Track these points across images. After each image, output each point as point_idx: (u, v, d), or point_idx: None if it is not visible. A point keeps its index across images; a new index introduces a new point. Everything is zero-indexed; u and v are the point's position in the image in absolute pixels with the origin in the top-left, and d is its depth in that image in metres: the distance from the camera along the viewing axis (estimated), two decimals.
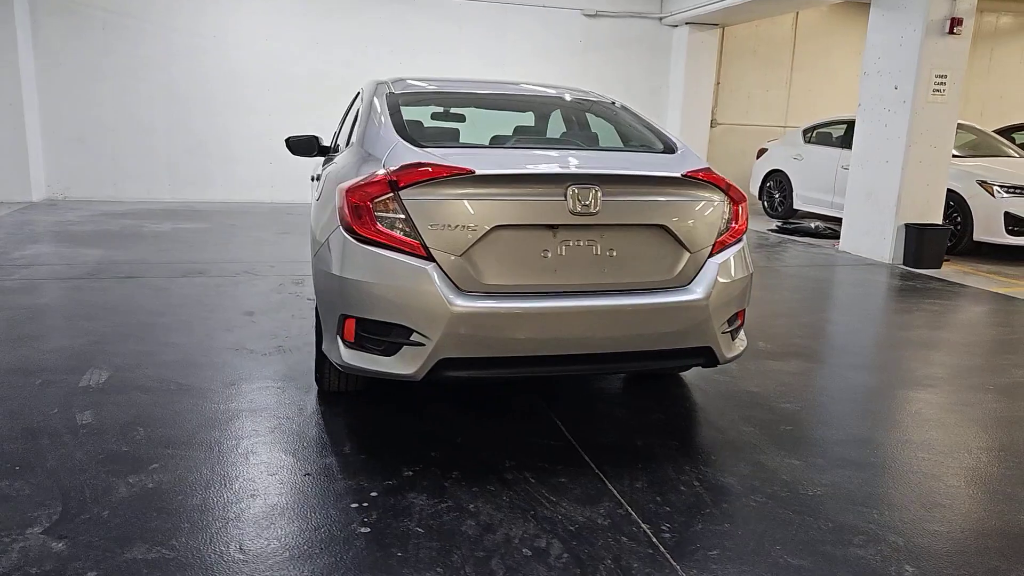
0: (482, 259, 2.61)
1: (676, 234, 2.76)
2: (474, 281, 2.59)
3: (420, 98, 3.72)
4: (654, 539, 2.32)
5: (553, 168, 2.72)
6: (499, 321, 2.55)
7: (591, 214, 2.64)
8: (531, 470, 2.73)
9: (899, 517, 2.50)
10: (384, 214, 2.59)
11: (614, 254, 2.70)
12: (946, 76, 7.01)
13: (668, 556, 2.22)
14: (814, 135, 10.24)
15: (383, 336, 2.63)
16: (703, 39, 11.17)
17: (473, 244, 2.59)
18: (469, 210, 2.59)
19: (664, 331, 2.73)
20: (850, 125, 9.65)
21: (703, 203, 2.82)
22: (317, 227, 3.03)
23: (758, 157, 11.21)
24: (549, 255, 2.65)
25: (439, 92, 3.97)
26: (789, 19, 12.20)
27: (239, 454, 2.77)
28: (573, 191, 2.63)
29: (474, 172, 2.57)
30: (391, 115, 3.11)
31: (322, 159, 3.99)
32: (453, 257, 2.57)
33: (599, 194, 2.64)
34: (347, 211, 2.66)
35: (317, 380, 3.36)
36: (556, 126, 4.03)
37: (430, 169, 2.57)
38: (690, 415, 3.35)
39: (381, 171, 2.63)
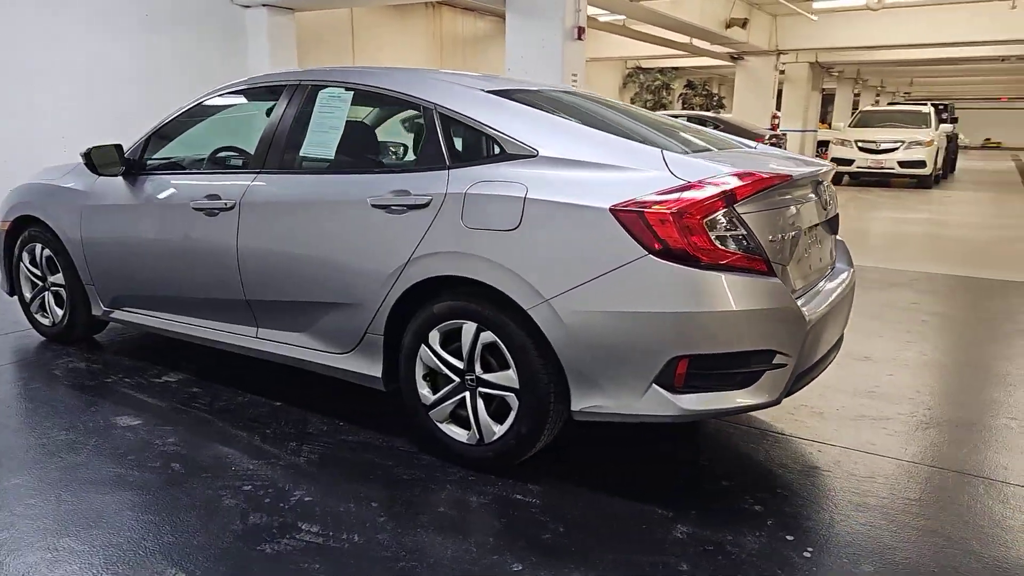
0: (793, 265, 2.61)
1: None
2: (791, 289, 2.58)
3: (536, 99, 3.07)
4: None
5: (812, 169, 2.82)
6: (820, 326, 2.62)
7: (826, 211, 2.87)
8: None
9: None
10: (718, 232, 2.36)
11: (821, 246, 2.98)
12: (577, 74, 8.45)
13: None
14: None
15: (736, 368, 2.40)
16: (282, 23, 10.65)
17: (792, 251, 2.57)
18: (788, 218, 2.55)
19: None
20: None
21: None
22: (531, 267, 2.47)
23: None
24: (809, 253, 2.79)
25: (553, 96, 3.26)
26: (346, 10, 12.47)
27: None
28: (820, 191, 2.81)
29: (792, 178, 2.54)
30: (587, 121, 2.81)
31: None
32: (782, 267, 2.51)
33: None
34: (674, 233, 2.32)
35: None
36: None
37: (765, 178, 2.44)
38: None
39: (686, 184, 2.37)
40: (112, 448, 2.89)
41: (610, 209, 2.37)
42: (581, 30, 8.29)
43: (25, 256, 4.18)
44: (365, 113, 3.59)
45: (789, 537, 2.33)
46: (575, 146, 2.60)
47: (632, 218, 2.35)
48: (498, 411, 2.67)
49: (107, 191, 3.75)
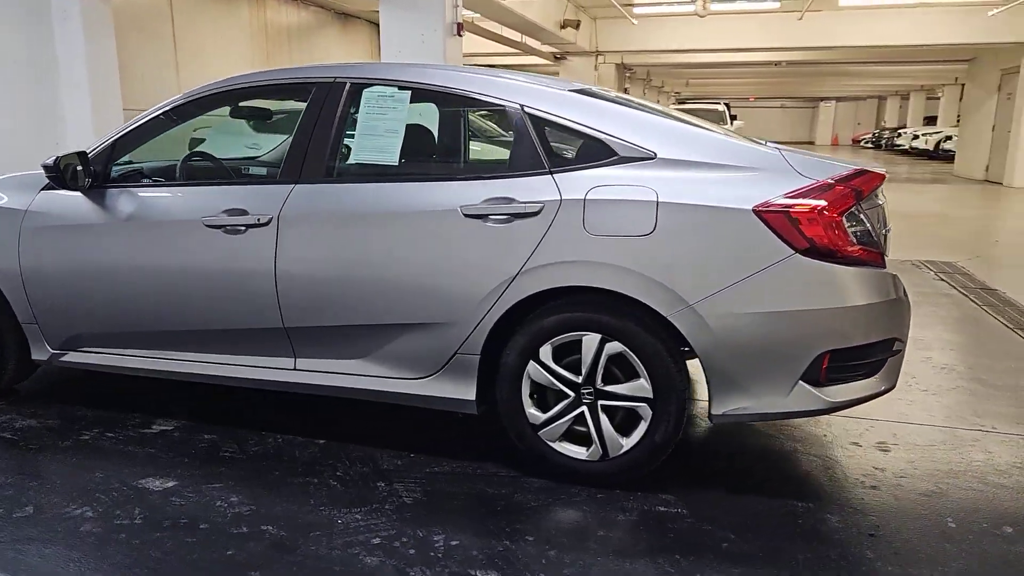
0: None
1: None
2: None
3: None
4: None
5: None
6: None
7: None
8: None
9: None
10: (851, 229, 2.45)
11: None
12: None
13: None
14: (275, 124, 10.11)
15: (868, 358, 2.49)
16: (97, 7, 9.35)
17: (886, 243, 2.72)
18: (877, 211, 2.69)
19: None
20: None
21: None
22: (672, 272, 2.41)
23: (191, 148, 10.29)
24: None
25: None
26: None
27: None
28: None
29: (886, 175, 2.69)
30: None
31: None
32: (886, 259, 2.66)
33: None
34: (821, 231, 2.37)
35: None
36: None
37: (880, 174, 2.55)
38: None
39: (821, 182, 2.43)
40: (173, 520, 2.39)
41: (753, 210, 2.38)
42: (460, 26, 8.17)
43: None
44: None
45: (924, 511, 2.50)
46: (690, 148, 2.56)
47: (778, 218, 2.37)
48: (621, 423, 2.58)
49: (59, 208, 3.08)
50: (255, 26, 13.38)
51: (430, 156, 2.97)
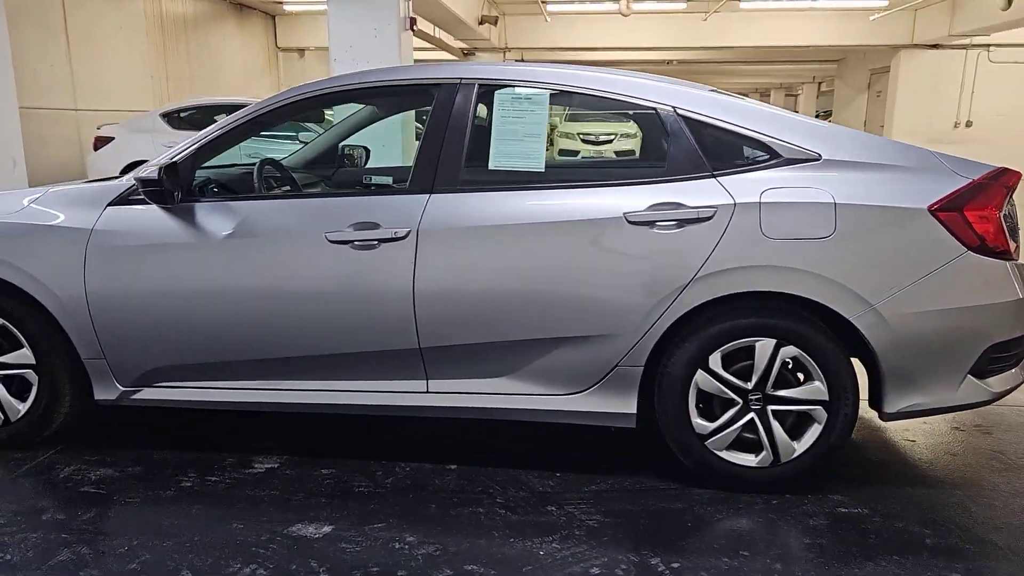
0: None
1: None
2: None
3: None
4: None
5: None
6: None
7: None
8: None
9: None
10: (1008, 225, 2.56)
11: None
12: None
13: None
14: (187, 120, 9.37)
15: (1017, 349, 2.61)
16: None
17: None
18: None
19: None
20: (234, 108, 9.42)
21: None
22: (854, 274, 2.42)
23: (96, 148, 9.37)
24: None
25: None
26: None
27: None
28: None
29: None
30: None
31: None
32: None
33: None
34: (991, 228, 2.45)
35: None
36: None
37: (1019, 172, 2.66)
38: None
39: (977, 180, 2.51)
40: (363, 570, 2.15)
41: (928, 209, 2.43)
42: (413, 20, 7.90)
43: None
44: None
45: None
46: (853, 149, 2.58)
47: (952, 217, 2.44)
48: (791, 428, 2.58)
49: (138, 226, 2.70)
50: (150, 17, 12.40)
51: (575, 161, 2.83)
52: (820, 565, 2.20)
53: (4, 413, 2.85)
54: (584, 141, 16.60)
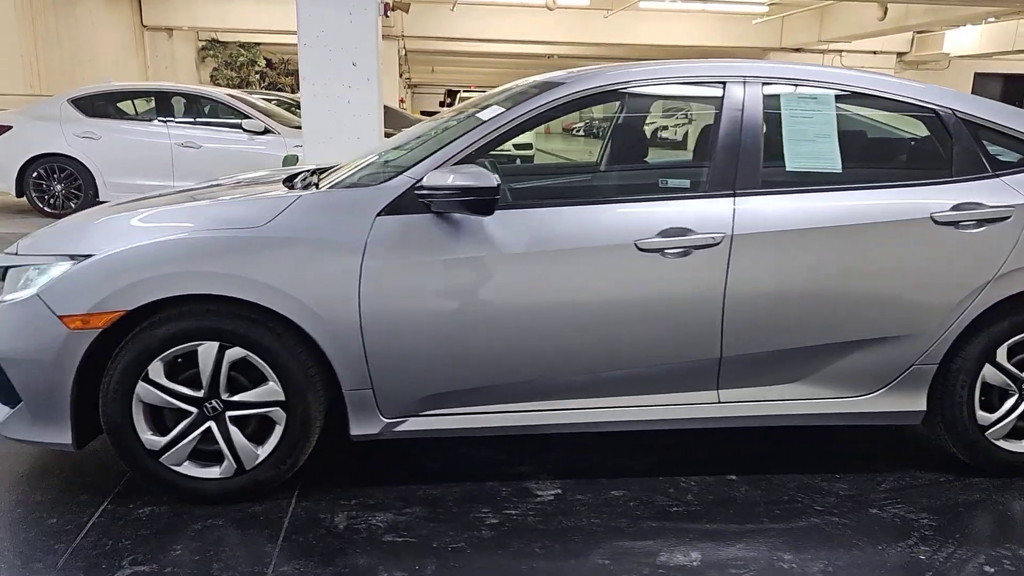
0: None
1: None
2: None
3: None
4: None
5: None
6: None
7: None
8: None
9: None
10: None
11: None
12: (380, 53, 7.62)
13: None
14: (101, 107, 8.26)
15: None
16: None
17: None
18: None
19: None
20: (164, 95, 8.48)
21: None
22: None
23: None
24: None
25: None
26: None
27: None
28: None
29: None
30: None
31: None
32: None
33: None
34: None
35: None
36: None
37: None
38: None
39: None
40: None
41: None
42: (387, 6, 7.49)
43: (157, 369, 2.32)
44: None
45: None
46: None
47: None
48: None
49: (422, 237, 2.37)
50: None
51: (870, 161, 2.81)
52: None
53: (238, 461, 2.40)
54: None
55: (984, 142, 2.68)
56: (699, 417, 2.61)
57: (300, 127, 8.99)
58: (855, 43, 16.57)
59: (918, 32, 16.47)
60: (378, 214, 2.38)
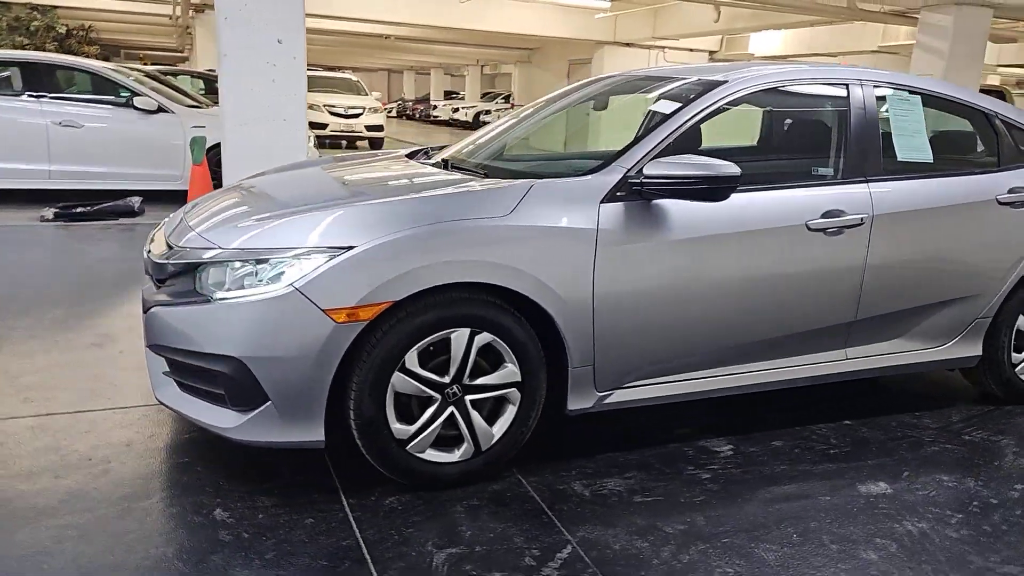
0: None
1: None
2: None
3: None
4: None
5: None
6: None
7: None
8: None
9: None
10: None
11: None
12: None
13: None
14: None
15: None
16: None
17: None
18: None
19: None
20: (32, 65, 7.44)
21: None
22: None
23: None
24: None
25: None
26: None
27: None
28: None
29: None
30: None
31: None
32: None
33: None
34: None
35: None
36: None
37: None
38: None
39: None
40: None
41: None
42: None
43: (412, 359, 2.31)
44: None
45: None
46: None
47: None
48: None
49: (645, 221, 2.56)
50: None
51: (946, 153, 3.33)
52: None
53: (476, 443, 2.45)
54: (332, 113, 16.16)
55: (1017, 138, 3.36)
56: (830, 373, 3.05)
57: (197, 106, 8.38)
58: (680, 41, 18.14)
59: (728, 34, 18.39)
60: (601, 202, 2.53)
